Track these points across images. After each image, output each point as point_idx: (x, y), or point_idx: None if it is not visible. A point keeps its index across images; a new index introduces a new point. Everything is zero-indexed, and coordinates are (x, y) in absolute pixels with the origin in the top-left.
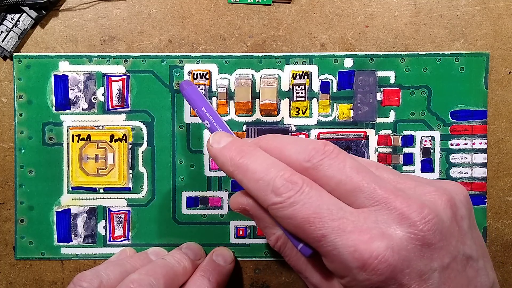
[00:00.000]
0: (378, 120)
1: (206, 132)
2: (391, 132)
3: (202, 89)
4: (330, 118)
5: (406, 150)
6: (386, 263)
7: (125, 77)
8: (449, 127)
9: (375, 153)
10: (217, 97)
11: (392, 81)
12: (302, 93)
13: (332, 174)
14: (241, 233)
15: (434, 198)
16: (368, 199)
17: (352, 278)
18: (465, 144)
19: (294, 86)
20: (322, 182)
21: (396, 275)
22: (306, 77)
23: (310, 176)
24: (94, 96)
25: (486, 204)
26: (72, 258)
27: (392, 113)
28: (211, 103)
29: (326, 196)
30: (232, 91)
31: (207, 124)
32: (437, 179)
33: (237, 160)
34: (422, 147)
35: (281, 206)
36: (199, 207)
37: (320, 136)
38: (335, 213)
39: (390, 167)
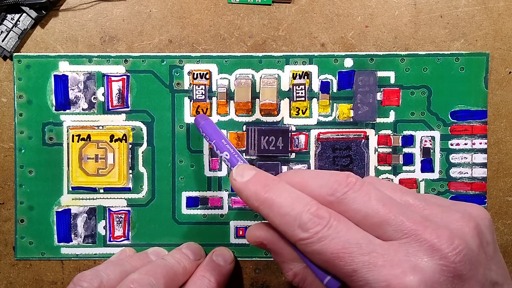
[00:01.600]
0: (378, 120)
1: None
2: (391, 132)
3: (202, 89)
4: (330, 118)
5: (406, 150)
6: None
7: (125, 77)
8: (449, 127)
9: (375, 153)
10: (217, 97)
11: (392, 81)
12: (302, 93)
13: (358, 207)
14: (241, 233)
15: (462, 225)
16: (397, 232)
17: None
18: (465, 144)
19: (294, 86)
20: (348, 215)
21: None
22: (306, 77)
23: (336, 209)
24: (94, 96)
25: (486, 204)
26: (72, 258)
27: (392, 113)
28: (212, 104)
29: (355, 230)
30: (232, 91)
31: (226, 155)
32: (437, 179)
33: (262, 194)
34: (422, 147)
35: (310, 242)
36: (199, 207)
37: (320, 136)
38: (365, 247)
39: (390, 165)
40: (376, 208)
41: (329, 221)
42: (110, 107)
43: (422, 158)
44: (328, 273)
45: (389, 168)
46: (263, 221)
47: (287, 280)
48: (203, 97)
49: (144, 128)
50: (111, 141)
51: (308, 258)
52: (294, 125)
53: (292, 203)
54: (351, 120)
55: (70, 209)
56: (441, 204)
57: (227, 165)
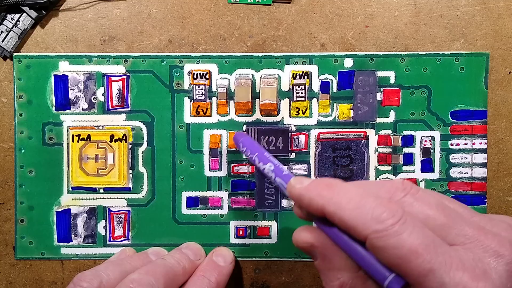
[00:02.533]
0: (378, 120)
1: (206, 132)
2: (391, 132)
3: (202, 89)
4: (330, 118)
5: (406, 150)
6: None
7: (125, 77)
8: (449, 127)
9: (375, 153)
10: (217, 97)
11: (392, 81)
12: (302, 93)
13: (419, 209)
14: (241, 233)
15: (511, 234)
16: (459, 236)
17: None
18: (465, 144)
19: (294, 86)
20: None
21: None
22: (306, 77)
23: None
24: (94, 96)
25: (486, 204)
26: (72, 258)
27: (392, 113)
28: (212, 104)
29: (426, 229)
30: (232, 91)
31: (270, 167)
32: (437, 179)
33: (327, 193)
34: (422, 147)
35: (385, 234)
36: (199, 207)
37: (320, 136)
38: (440, 247)
39: (390, 165)
40: (436, 210)
41: (402, 216)
42: (110, 107)
43: (422, 158)
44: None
45: (389, 168)
46: (309, 225)
47: None
48: (203, 97)
49: (144, 128)
50: (111, 141)
51: (373, 256)
52: (294, 125)
53: (362, 198)
54: (351, 120)
55: (70, 209)
56: (481, 214)
57: (270, 177)
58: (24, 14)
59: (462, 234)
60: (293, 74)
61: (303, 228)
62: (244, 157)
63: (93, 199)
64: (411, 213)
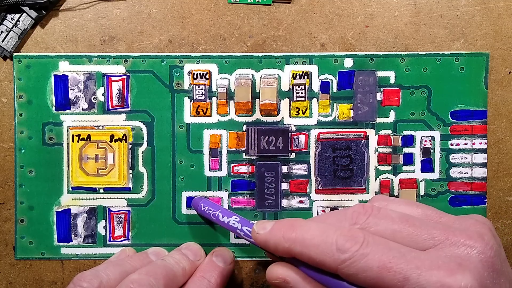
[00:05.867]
0: (378, 120)
1: (206, 132)
2: (391, 132)
3: (202, 89)
4: (330, 118)
5: (406, 150)
6: None
7: (125, 77)
8: (449, 127)
9: (375, 153)
10: (217, 97)
11: (392, 81)
12: (302, 93)
13: (384, 227)
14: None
15: (480, 228)
16: (428, 240)
17: None
18: (465, 144)
19: (294, 86)
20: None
21: None
22: (306, 77)
23: None
24: (94, 96)
25: (486, 204)
26: (72, 258)
27: (392, 113)
28: (212, 104)
29: (391, 242)
30: (232, 91)
31: (236, 219)
32: (437, 179)
33: (291, 234)
34: (422, 147)
35: (353, 261)
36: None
37: (320, 136)
38: (408, 255)
39: (390, 165)
40: (400, 223)
41: (364, 238)
42: (110, 107)
43: (422, 158)
44: None
45: (389, 168)
46: (282, 261)
47: None
48: (203, 97)
49: (144, 128)
50: (111, 141)
51: (350, 283)
52: (294, 125)
53: (323, 232)
54: (351, 120)
55: (70, 209)
56: (449, 215)
57: (236, 228)
58: (24, 14)
59: (431, 237)
60: (293, 74)
61: (276, 264)
62: (203, 217)
63: (93, 199)
64: (378, 232)
